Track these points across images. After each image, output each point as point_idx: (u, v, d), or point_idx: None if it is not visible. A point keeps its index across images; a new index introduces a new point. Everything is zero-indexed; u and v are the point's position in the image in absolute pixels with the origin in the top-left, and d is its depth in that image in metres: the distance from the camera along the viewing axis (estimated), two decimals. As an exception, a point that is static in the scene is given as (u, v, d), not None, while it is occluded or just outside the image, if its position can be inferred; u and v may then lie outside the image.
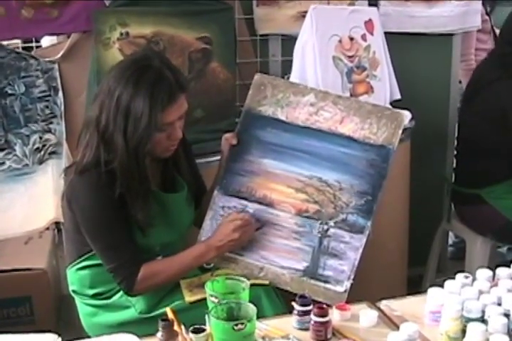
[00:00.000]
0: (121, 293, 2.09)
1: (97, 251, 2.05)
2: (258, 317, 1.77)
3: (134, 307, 2.10)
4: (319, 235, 2.11)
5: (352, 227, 2.10)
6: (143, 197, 2.03)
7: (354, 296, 2.03)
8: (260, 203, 2.16)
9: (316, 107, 2.17)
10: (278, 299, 2.14)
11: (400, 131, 2.12)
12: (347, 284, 2.07)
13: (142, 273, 2.03)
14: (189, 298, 2.07)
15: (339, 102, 2.17)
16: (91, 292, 2.14)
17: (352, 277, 2.07)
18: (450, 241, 3.77)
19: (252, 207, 2.16)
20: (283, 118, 2.18)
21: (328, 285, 2.08)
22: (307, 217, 2.13)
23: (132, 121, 1.95)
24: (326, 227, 2.11)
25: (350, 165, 2.12)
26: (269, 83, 2.22)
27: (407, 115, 2.30)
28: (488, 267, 2.02)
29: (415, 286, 3.07)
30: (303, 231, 2.13)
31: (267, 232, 2.15)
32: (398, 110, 2.31)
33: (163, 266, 2.08)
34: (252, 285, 1.98)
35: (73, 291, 2.19)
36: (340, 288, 2.07)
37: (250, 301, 1.77)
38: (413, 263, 3.14)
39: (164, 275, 2.06)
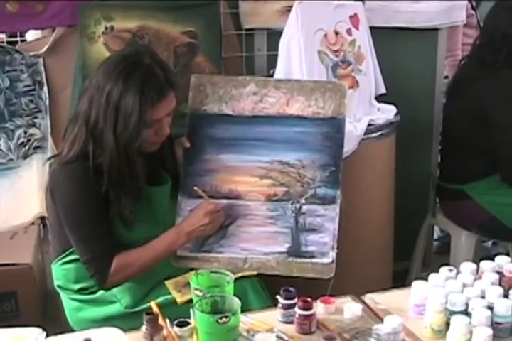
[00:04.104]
0: (106, 287, 2.09)
1: (73, 241, 2.05)
2: (244, 311, 1.78)
3: (120, 302, 2.10)
4: (293, 215, 2.14)
5: (323, 200, 2.13)
6: (132, 195, 2.03)
7: (340, 291, 2.02)
8: (228, 198, 2.17)
9: (260, 95, 2.22)
10: (264, 292, 2.15)
11: (346, 101, 2.19)
12: (332, 254, 2.10)
13: (115, 265, 2.03)
14: (180, 298, 2.07)
15: (281, 86, 2.22)
16: (76, 287, 2.13)
17: (335, 246, 2.10)
18: (435, 236, 3.78)
19: (220, 204, 2.16)
20: (229, 112, 2.22)
21: (314, 260, 2.10)
22: (277, 200, 2.16)
23: (122, 117, 1.95)
24: (298, 206, 2.14)
25: (307, 142, 2.17)
26: (208, 82, 2.25)
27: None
28: (473, 261, 2.03)
29: (401, 281, 3.08)
30: (277, 215, 2.15)
31: (242, 224, 2.16)
32: (338, 81, 2.37)
33: (136, 256, 2.06)
34: (238, 278, 1.98)
35: (58, 286, 2.19)
36: (327, 260, 2.09)
37: (236, 295, 1.76)
38: (399, 257, 3.14)
39: (136, 266, 2.06)
